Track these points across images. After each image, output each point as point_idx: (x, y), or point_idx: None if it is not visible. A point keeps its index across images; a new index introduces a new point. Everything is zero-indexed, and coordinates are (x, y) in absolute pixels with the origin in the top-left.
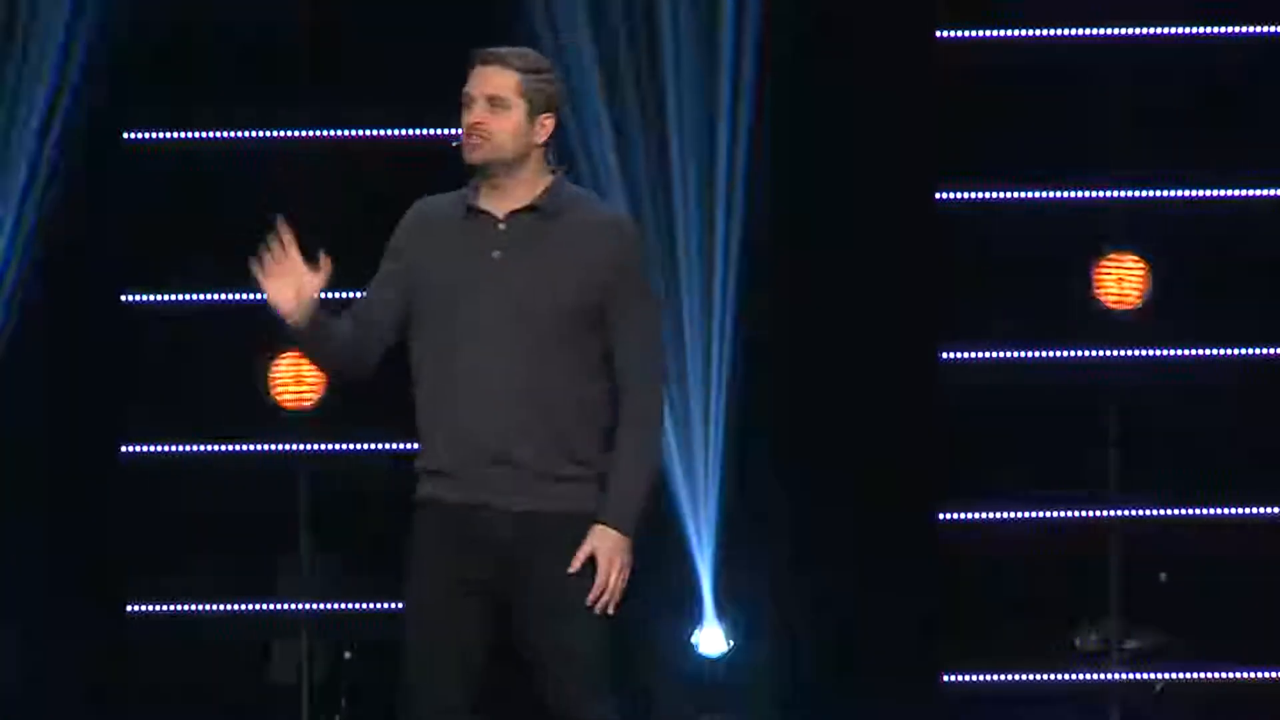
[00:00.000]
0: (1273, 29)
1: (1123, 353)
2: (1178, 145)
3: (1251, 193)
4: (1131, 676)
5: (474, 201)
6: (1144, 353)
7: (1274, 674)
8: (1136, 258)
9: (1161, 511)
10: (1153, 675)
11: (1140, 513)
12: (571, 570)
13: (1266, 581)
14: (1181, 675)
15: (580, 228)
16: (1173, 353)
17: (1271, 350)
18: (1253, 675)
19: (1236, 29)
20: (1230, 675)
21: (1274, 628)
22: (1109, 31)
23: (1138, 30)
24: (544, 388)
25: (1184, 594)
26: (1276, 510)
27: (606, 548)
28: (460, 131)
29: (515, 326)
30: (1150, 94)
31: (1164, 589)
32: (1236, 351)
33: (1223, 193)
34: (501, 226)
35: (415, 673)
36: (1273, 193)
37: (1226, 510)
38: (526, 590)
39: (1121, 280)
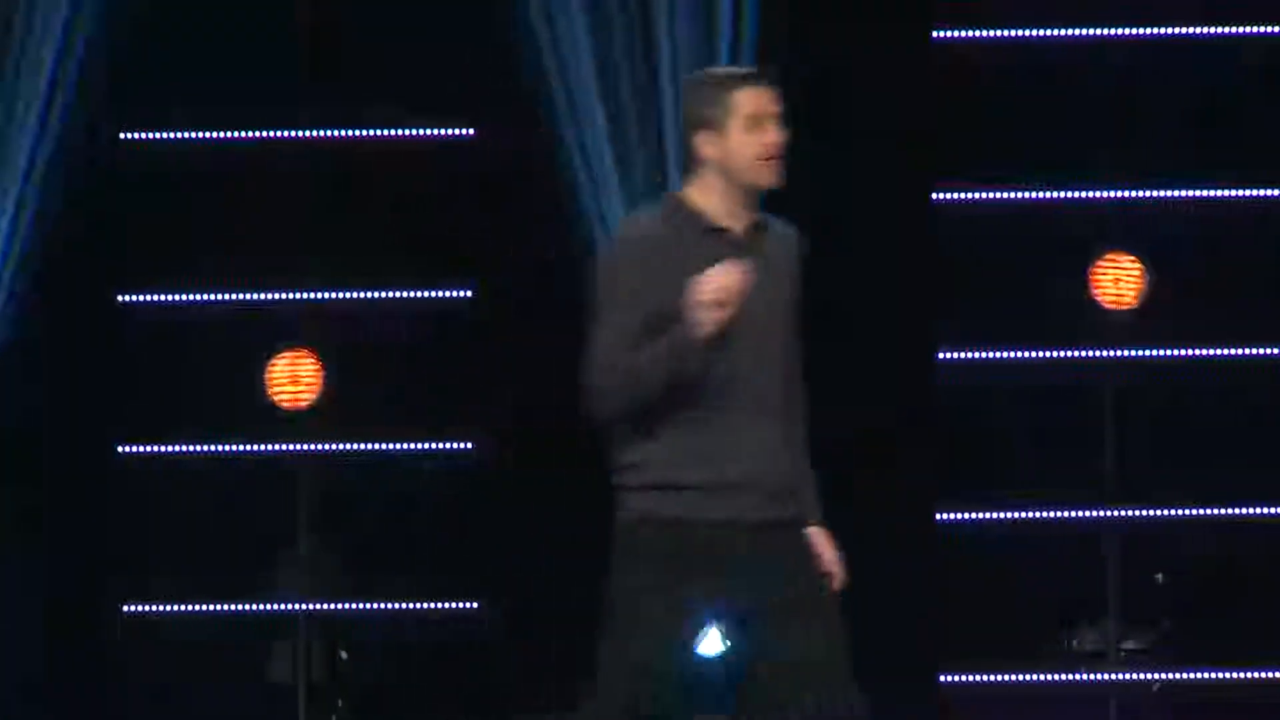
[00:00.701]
0: (1271, 29)
1: (1119, 353)
2: (1175, 146)
3: (1246, 193)
4: (1129, 677)
5: (712, 222)
6: (1141, 353)
7: (1273, 674)
8: (1133, 258)
9: (1159, 512)
10: (1151, 675)
11: (1137, 513)
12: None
13: (1266, 582)
14: (1179, 676)
15: (779, 240)
16: (1169, 353)
17: (1267, 350)
18: (1250, 675)
19: (1234, 29)
20: (1227, 676)
21: (1273, 628)
22: (1105, 32)
23: (1133, 31)
24: (786, 400)
25: (1182, 594)
26: (1275, 510)
27: (830, 542)
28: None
29: (772, 340)
30: (1146, 95)
31: (1161, 590)
32: (1232, 351)
33: (1219, 193)
34: (741, 243)
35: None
36: (1266, 193)
37: (1225, 510)
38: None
39: (1118, 281)
